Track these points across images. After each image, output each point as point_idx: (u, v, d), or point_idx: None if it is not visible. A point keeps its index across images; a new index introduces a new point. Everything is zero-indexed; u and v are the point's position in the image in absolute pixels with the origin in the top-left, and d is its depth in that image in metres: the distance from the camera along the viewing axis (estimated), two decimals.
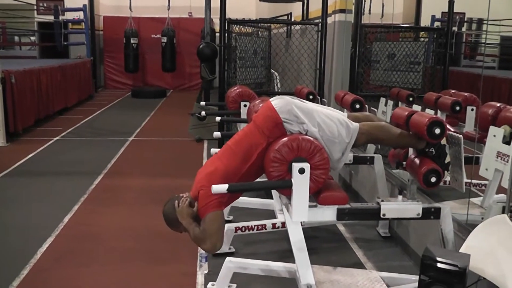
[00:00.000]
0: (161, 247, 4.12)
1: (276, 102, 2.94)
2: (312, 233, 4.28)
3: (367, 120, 3.17)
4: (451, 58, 6.48)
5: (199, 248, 3.74)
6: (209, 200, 2.85)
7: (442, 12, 7.57)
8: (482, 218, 3.13)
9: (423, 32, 7.14)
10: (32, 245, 4.07)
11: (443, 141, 2.95)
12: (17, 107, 8.29)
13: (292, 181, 2.75)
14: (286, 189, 2.85)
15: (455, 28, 7.43)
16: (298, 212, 2.80)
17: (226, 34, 6.25)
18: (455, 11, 6.40)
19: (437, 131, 2.83)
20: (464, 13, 8.47)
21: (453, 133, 2.97)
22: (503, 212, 2.92)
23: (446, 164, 2.96)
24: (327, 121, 2.91)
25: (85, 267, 3.78)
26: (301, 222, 2.94)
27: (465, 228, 3.12)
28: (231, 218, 4.62)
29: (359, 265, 3.81)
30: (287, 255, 3.75)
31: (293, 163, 2.74)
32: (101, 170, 6.42)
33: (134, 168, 6.70)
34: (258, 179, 3.07)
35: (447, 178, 3.11)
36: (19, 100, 8.36)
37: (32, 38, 16.63)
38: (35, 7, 15.03)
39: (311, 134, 2.85)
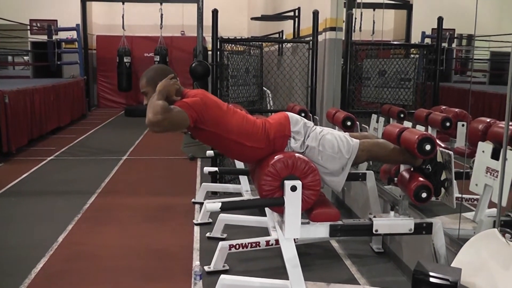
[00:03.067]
0: (155, 265, 4.12)
1: (292, 115, 3.10)
2: (305, 249, 4.28)
3: (365, 139, 3.24)
4: (442, 74, 6.55)
5: (193, 266, 3.76)
6: (194, 106, 2.90)
7: (432, 29, 7.67)
8: (474, 233, 3.15)
9: (413, 49, 7.22)
10: (26, 265, 4.06)
11: (439, 158, 3.00)
12: (11, 127, 8.29)
13: (284, 198, 2.77)
14: (278, 207, 2.87)
15: (445, 44, 7.52)
16: (290, 229, 2.83)
17: (218, 53, 6.30)
18: (444, 27, 6.47)
19: (428, 147, 2.88)
20: (454, 29, 8.58)
21: (443, 150, 3.01)
22: (494, 227, 2.95)
23: (442, 181, 3.00)
24: (327, 138, 3.00)
25: (79, 287, 3.77)
26: (294, 239, 2.96)
27: (457, 243, 3.14)
28: (225, 236, 4.63)
29: (353, 281, 3.82)
30: (281, 272, 3.75)
31: (285, 181, 2.78)
32: (95, 189, 6.41)
33: (127, 187, 6.70)
34: (251, 197, 3.11)
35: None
36: (12, 120, 8.37)
37: (26, 57, 16.67)
38: (28, 27, 15.09)
39: (309, 150, 2.92)
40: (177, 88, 3.04)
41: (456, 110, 4.85)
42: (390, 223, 3.03)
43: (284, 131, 3.00)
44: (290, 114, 3.11)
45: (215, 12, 6.11)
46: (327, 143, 2.97)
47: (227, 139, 3.00)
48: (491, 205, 3.30)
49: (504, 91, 2.52)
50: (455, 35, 8.87)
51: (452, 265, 2.47)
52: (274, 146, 2.99)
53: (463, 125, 4.62)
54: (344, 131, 4.32)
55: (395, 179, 3.20)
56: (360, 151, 3.03)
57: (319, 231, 2.96)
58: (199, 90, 3.09)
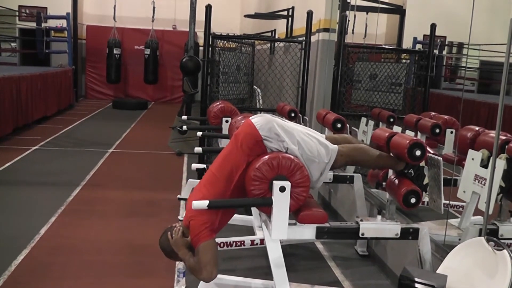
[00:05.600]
0: (139, 261, 4.08)
1: (257, 119, 2.94)
2: (290, 250, 4.27)
3: (345, 142, 3.18)
4: (432, 80, 6.57)
5: (177, 262, 3.72)
6: (200, 230, 2.84)
7: (424, 35, 7.70)
8: (459, 240, 3.16)
9: (404, 54, 7.24)
10: (7, 257, 4.00)
11: (422, 163, 2.99)
12: None
13: (273, 199, 2.75)
14: (266, 207, 2.85)
15: (436, 51, 7.56)
16: (277, 230, 2.80)
17: (210, 49, 6.26)
18: (436, 34, 6.50)
19: (418, 153, 2.87)
20: (445, 37, 8.63)
21: (432, 156, 3.01)
22: (479, 234, 2.96)
23: (424, 185, 3.00)
24: (306, 140, 2.92)
25: (60, 281, 3.72)
26: (279, 240, 2.94)
27: (442, 249, 3.15)
28: None
29: (337, 283, 3.82)
30: (265, 272, 3.75)
31: (274, 181, 2.74)
32: (79, 182, 6.35)
33: (113, 181, 6.64)
34: None
35: (426, 199, 3.14)
36: None
37: (13, 44, 16.47)
38: (17, 13, 14.91)
39: (291, 152, 2.86)
40: (182, 232, 2.94)
41: (446, 117, 4.86)
42: (376, 227, 3.02)
43: (255, 138, 2.88)
44: (253, 119, 2.97)
45: (208, 8, 6.07)
46: (306, 146, 2.91)
47: (233, 192, 2.92)
48: (476, 212, 3.32)
49: (492, 100, 2.53)
50: (446, 43, 8.92)
51: (437, 271, 2.47)
52: (257, 154, 2.91)
53: (451, 132, 4.64)
54: (334, 133, 4.32)
55: (383, 183, 3.19)
56: (339, 155, 2.97)
57: (306, 232, 2.93)
58: (189, 207, 2.91)
